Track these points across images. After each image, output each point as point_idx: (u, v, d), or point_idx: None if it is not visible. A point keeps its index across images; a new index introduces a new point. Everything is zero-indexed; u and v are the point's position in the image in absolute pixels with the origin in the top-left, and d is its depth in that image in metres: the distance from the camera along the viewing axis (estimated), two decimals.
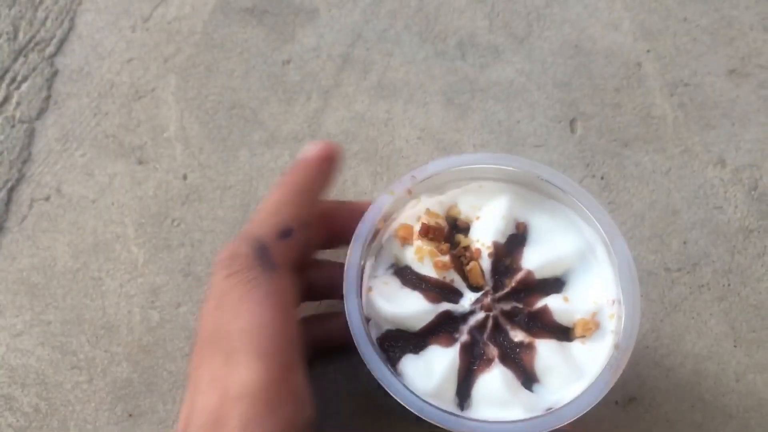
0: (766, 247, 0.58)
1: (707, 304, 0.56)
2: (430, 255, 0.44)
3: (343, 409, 0.52)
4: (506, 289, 0.44)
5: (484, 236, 0.46)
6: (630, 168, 0.60)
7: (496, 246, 0.45)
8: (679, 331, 0.55)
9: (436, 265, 0.44)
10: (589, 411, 0.51)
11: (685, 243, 0.58)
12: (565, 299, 0.44)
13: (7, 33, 0.65)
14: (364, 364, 0.40)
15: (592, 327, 0.43)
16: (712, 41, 0.66)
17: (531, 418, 0.40)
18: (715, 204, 0.59)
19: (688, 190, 0.60)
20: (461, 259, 0.46)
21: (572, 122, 0.62)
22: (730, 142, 0.61)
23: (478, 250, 0.45)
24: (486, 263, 0.45)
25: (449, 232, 0.47)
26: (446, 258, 0.45)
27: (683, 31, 0.66)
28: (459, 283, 0.45)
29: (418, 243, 0.45)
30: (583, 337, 0.43)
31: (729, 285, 0.56)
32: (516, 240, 0.46)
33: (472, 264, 0.45)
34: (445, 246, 0.45)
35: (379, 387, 0.41)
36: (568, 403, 0.40)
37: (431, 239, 0.45)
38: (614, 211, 0.59)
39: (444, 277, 0.44)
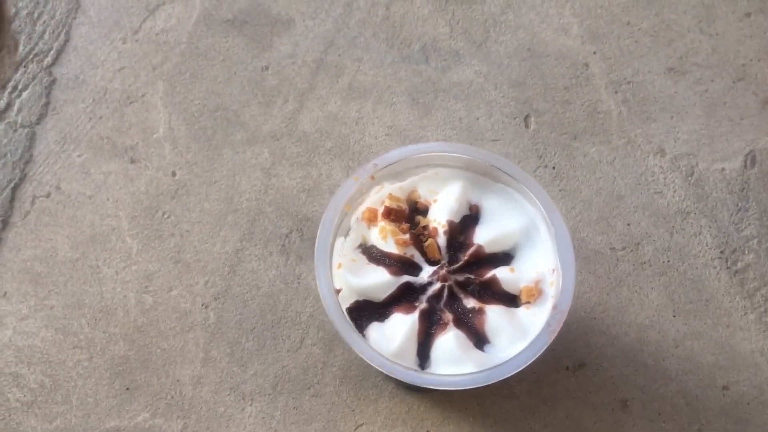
0: (702, 227, 0.63)
1: (649, 279, 0.61)
2: (392, 234, 0.50)
3: (322, 379, 0.57)
4: (460, 263, 0.50)
5: (440, 216, 0.51)
6: (579, 158, 0.66)
7: (451, 225, 0.51)
8: (623, 304, 0.60)
9: (397, 243, 0.50)
10: (543, 376, 0.58)
11: (628, 225, 0.63)
12: (512, 270, 0.50)
13: (8, 46, 0.70)
14: (338, 338, 0.45)
15: (535, 293, 0.49)
16: (653, 43, 0.72)
17: (479, 372, 0.45)
18: (655, 189, 0.65)
19: (631, 177, 0.65)
20: (420, 237, 0.51)
21: (526, 118, 0.68)
22: (669, 134, 0.67)
23: (435, 229, 0.51)
24: (442, 240, 0.51)
25: (410, 214, 0.52)
26: (406, 236, 0.50)
27: (626, 34, 0.72)
28: (418, 258, 0.50)
29: (381, 224, 0.51)
30: (527, 302, 0.49)
31: (668, 261, 0.62)
32: (469, 220, 0.52)
33: (429, 241, 0.51)
34: (405, 226, 0.51)
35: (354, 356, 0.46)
36: (512, 358, 0.46)
37: (393, 220, 0.51)
38: (564, 198, 0.64)
39: (405, 253, 0.50)
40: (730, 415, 0.57)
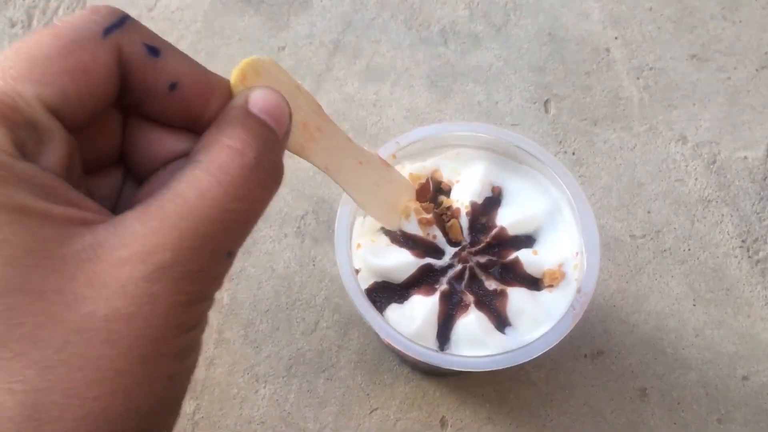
0: (723, 216, 0.62)
1: (669, 267, 0.60)
2: (415, 212, 0.49)
3: (336, 362, 0.56)
4: (482, 244, 0.49)
5: (463, 197, 0.50)
6: (599, 144, 0.65)
7: (474, 206, 0.50)
8: (643, 291, 0.60)
9: (420, 222, 0.49)
10: (561, 363, 0.57)
11: (649, 212, 0.62)
12: (535, 252, 0.49)
13: (22, 21, 0.69)
14: (354, 321, 0.44)
15: (558, 276, 0.48)
16: (676, 29, 0.71)
17: (502, 353, 0.44)
18: (676, 177, 0.64)
19: (652, 164, 0.64)
20: (443, 217, 0.50)
21: (546, 103, 0.67)
22: (691, 121, 0.66)
23: (458, 210, 0.50)
24: (464, 221, 0.50)
25: (433, 194, 0.51)
26: (430, 215, 0.49)
27: (649, 19, 0.71)
28: (440, 238, 0.49)
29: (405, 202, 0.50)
30: (550, 286, 0.48)
31: (689, 250, 0.61)
32: (492, 201, 0.51)
33: (452, 221, 0.50)
34: (429, 205, 0.50)
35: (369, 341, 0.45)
36: (536, 340, 0.45)
37: (418, 198, 0.50)
38: (584, 184, 0.63)
39: (427, 234, 0.49)
40: (750, 405, 0.56)
